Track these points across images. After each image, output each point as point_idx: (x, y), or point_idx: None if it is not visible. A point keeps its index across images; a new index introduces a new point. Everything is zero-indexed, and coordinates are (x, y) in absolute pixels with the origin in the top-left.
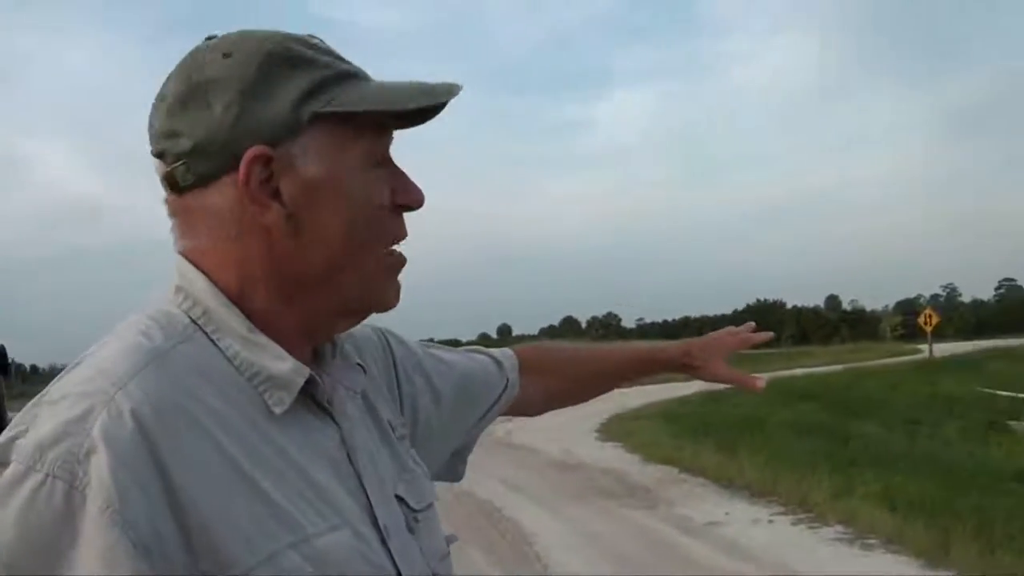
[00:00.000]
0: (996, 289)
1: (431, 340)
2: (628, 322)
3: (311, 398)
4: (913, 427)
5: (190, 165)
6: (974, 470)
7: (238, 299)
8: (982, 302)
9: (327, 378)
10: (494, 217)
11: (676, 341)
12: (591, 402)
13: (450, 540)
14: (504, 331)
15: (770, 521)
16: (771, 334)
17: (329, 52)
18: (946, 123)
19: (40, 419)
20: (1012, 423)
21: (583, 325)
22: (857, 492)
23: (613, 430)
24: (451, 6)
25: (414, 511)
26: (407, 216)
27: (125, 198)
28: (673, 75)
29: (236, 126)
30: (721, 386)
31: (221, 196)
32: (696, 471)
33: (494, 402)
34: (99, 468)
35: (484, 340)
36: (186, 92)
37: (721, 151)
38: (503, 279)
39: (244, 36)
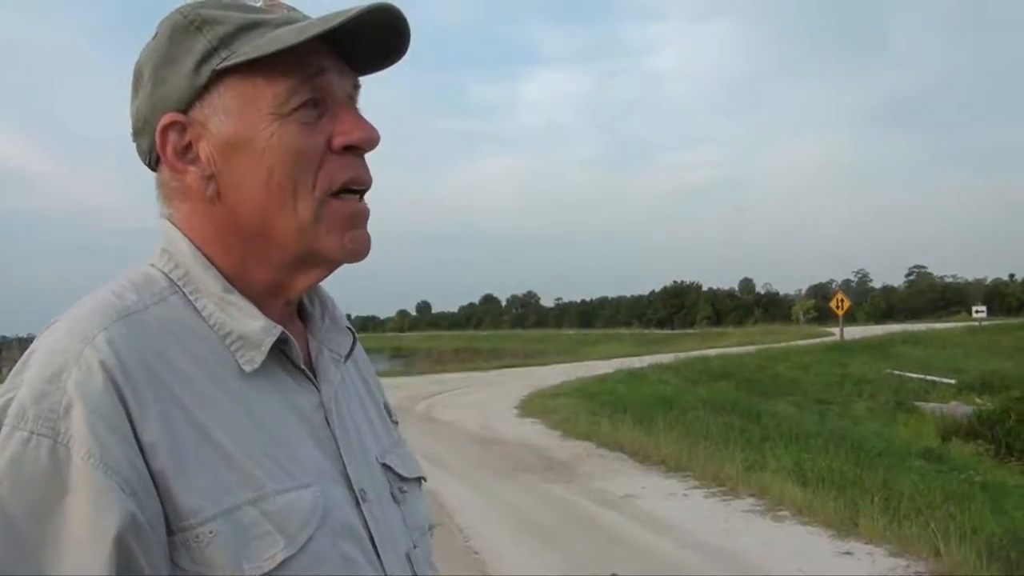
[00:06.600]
0: (907, 276)
1: (348, 316)
2: (547, 301)
3: (287, 358)
4: (824, 406)
5: (137, 145)
6: (882, 447)
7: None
8: (892, 288)
9: (312, 341)
10: (415, 194)
11: None
12: (510, 380)
13: (432, 526)
14: (423, 308)
15: (685, 494)
16: None
17: (241, 6)
18: (868, 115)
19: (24, 382)
20: (919, 404)
21: (503, 303)
22: (769, 467)
23: (533, 407)
24: None
25: (401, 479)
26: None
27: None
28: (601, 57)
29: (151, 100)
30: (639, 365)
31: (164, 169)
32: (614, 446)
33: None
34: (78, 421)
35: (403, 316)
36: (133, 78)
37: (645, 135)
38: (423, 256)
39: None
